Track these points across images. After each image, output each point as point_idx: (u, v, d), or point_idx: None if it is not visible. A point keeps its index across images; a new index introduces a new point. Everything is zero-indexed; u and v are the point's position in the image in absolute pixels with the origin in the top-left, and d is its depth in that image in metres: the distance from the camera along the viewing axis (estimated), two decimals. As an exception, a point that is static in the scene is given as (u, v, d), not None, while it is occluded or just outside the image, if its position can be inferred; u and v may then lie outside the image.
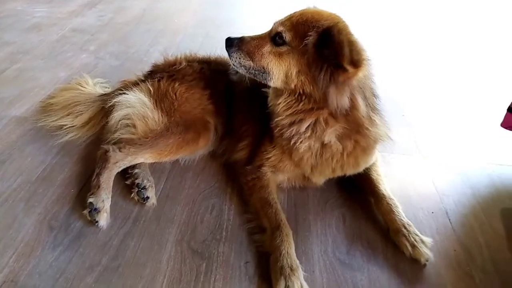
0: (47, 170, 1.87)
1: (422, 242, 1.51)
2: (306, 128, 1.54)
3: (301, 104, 1.51)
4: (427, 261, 1.49)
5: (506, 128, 1.94)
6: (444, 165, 2.08)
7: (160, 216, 1.67)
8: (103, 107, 2.03)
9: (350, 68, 1.34)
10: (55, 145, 2.01)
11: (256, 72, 1.57)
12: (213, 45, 3.12)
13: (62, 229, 1.58)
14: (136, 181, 1.73)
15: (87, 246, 1.52)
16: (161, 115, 1.82)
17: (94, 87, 2.32)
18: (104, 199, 1.61)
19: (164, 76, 1.95)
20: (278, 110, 1.56)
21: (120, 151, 1.73)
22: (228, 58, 1.63)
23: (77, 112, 2.07)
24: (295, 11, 1.53)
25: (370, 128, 1.55)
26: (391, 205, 1.63)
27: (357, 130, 1.55)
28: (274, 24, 1.55)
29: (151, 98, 1.87)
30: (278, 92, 1.57)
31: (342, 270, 1.48)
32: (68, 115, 2.08)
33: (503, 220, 1.75)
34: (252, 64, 1.56)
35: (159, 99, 1.86)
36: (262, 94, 1.70)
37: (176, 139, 1.79)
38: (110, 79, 2.55)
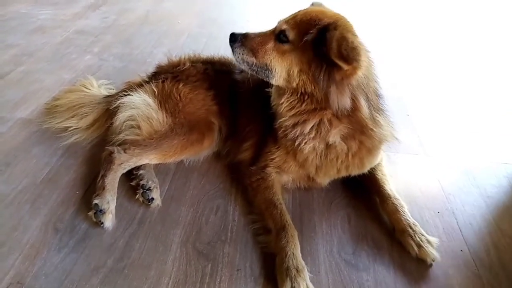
0: (52, 172, 1.87)
1: (428, 242, 1.50)
2: (310, 129, 1.53)
3: (304, 105, 1.50)
4: (433, 261, 1.48)
5: None
6: (450, 165, 2.06)
7: (165, 217, 1.67)
8: (108, 109, 2.03)
9: (341, 64, 1.32)
10: (60, 147, 2.02)
11: (258, 69, 1.56)
12: (217, 45, 3.13)
13: (67, 231, 1.58)
14: (141, 182, 1.73)
15: (92, 247, 1.52)
16: (166, 116, 1.82)
17: (99, 88, 2.33)
18: (109, 201, 1.61)
19: (168, 77, 1.96)
20: (281, 110, 1.56)
21: (125, 152, 1.74)
22: (232, 55, 1.63)
23: (82, 114, 2.07)
24: (299, 9, 1.53)
25: (374, 129, 1.54)
26: (397, 205, 1.63)
27: (361, 130, 1.54)
28: (279, 22, 1.54)
29: (156, 99, 1.87)
30: (281, 91, 1.57)
31: (347, 271, 1.48)
32: (73, 117, 2.08)
33: (510, 219, 1.74)
34: (254, 61, 1.55)
35: (164, 100, 1.86)
36: (265, 95, 1.70)
37: (181, 140, 1.79)
38: (114, 81, 2.55)
